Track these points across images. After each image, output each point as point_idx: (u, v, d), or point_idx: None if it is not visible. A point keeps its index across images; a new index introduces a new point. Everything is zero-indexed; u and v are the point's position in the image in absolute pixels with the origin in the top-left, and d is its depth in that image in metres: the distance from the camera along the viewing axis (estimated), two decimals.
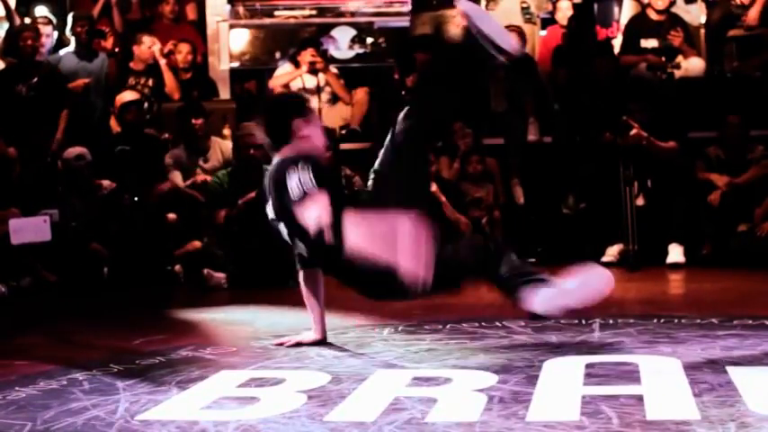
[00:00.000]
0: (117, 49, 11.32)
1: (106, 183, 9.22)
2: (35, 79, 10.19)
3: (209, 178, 9.36)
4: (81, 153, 9.12)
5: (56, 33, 11.51)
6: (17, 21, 11.23)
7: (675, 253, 9.05)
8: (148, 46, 10.90)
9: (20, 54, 10.39)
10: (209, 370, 4.95)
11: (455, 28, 11.01)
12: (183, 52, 11.00)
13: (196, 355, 5.42)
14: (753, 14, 10.78)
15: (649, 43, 10.68)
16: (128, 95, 10.13)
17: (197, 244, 9.02)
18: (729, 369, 4.55)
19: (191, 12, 12.19)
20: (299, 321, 6.18)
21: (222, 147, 9.70)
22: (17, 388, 4.69)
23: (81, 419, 4.07)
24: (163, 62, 10.85)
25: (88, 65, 10.78)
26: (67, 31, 11.09)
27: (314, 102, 10.80)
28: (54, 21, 11.61)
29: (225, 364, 5.10)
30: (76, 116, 10.28)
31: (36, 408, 4.30)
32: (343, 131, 10.81)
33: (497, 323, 5.92)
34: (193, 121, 9.63)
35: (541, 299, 4.91)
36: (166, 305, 7.61)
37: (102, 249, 8.90)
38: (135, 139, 9.79)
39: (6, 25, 11.43)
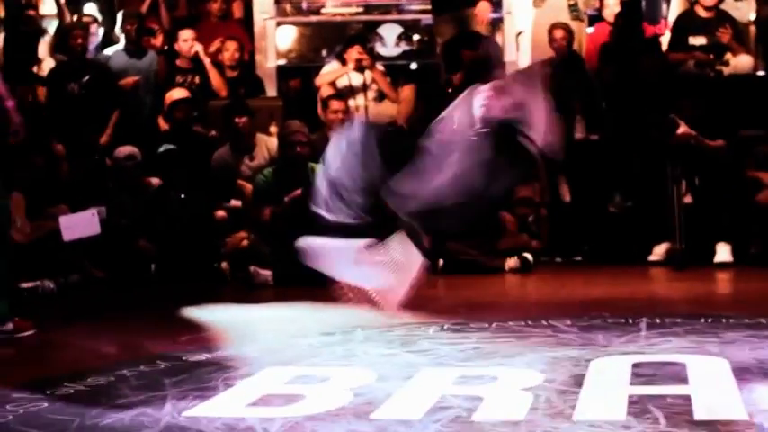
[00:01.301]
0: (166, 47, 11.38)
1: (155, 181, 9.28)
2: (86, 77, 10.26)
3: None
4: (132, 153, 9.18)
5: (101, 31, 11.57)
6: (68, 18, 11.31)
7: (723, 252, 8.98)
8: (185, 39, 10.94)
9: (70, 52, 10.47)
10: (255, 367, 4.97)
11: (478, 25, 11.05)
12: (231, 50, 11.02)
13: (242, 352, 5.44)
14: None
15: (697, 40, 10.60)
16: (177, 93, 10.18)
17: (243, 234, 9.04)
18: None
19: (237, 9, 12.22)
20: (345, 319, 6.20)
21: (268, 144, 9.71)
22: (66, 384, 4.73)
23: (128, 416, 4.10)
24: (207, 61, 10.89)
25: (137, 62, 10.84)
26: (117, 29, 11.15)
27: (360, 99, 10.81)
28: (99, 19, 11.68)
29: (271, 362, 5.12)
30: (126, 114, 10.35)
31: (84, 403, 4.34)
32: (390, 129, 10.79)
33: (543, 322, 5.91)
34: (237, 119, 9.62)
35: None
36: (213, 302, 7.63)
37: (150, 246, 8.96)
38: (184, 137, 9.84)
39: (56, 22, 11.53)
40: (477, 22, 11.13)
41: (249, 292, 8.33)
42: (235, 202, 9.47)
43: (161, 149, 9.59)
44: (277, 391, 4.47)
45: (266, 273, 8.58)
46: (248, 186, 9.30)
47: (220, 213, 9.32)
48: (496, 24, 11.88)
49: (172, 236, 9.02)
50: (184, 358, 5.26)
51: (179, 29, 11.38)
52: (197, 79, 10.88)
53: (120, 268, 8.75)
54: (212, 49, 11.17)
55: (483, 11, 11.14)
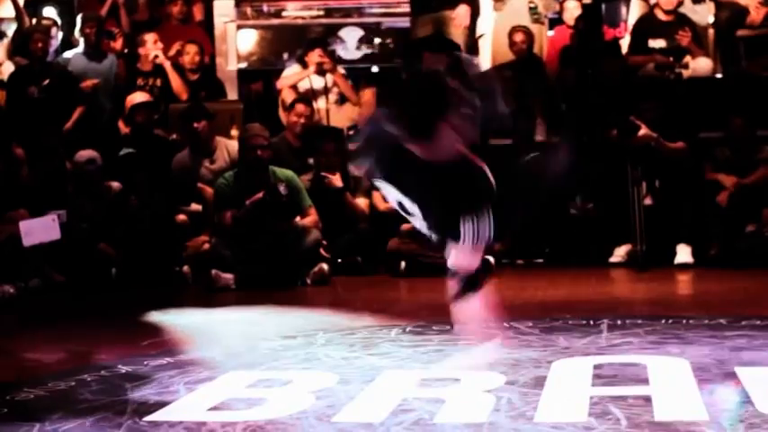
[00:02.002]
0: (126, 50, 11.33)
1: (115, 184, 9.23)
2: (46, 81, 10.21)
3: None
4: (92, 157, 9.13)
5: (60, 34, 11.51)
6: (27, 21, 11.25)
7: (684, 253, 9.04)
8: (154, 41, 10.91)
9: (30, 55, 10.41)
10: (216, 371, 4.95)
11: (455, 29, 11.06)
12: (191, 53, 10.99)
13: (204, 356, 5.42)
14: (756, 17, 10.81)
15: (657, 43, 10.66)
16: (138, 97, 10.13)
17: (204, 238, 9.02)
18: (738, 370, 4.54)
19: (198, 12, 12.19)
20: (306, 322, 6.20)
21: (229, 147, 9.69)
22: (26, 389, 4.70)
23: (89, 420, 4.08)
24: (167, 64, 10.85)
25: (97, 66, 10.79)
26: (76, 32, 11.09)
27: (321, 102, 10.81)
28: (59, 22, 11.61)
29: (233, 365, 5.10)
30: (86, 117, 10.30)
31: (45, 408, 4.31)
32: (351, 132, 10.80)
33: (505, 324, 5.91)
34: (195, 124, 9.58)
35: None
36: (174, 306, 7.61)
37: (111, 250, 8.91)
38: (144, 141, 9.81)
39: (15, 26, 11.45)
40: (456, 25, 11.15)
41: (210, 296, 8.30)
42: (195, 206, 9.45)
43: (121, 153, 9.55)
44: (239, 394, 4.46)
45: (228, 276, 8.56)
46: (209, 190, 9.28)
47: (181, 217, 9.29)
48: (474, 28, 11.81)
49: (133, 240, 8.98)
50: (145, 362, 5.24)
51: (139, 32, 11.34)
52: (158, 82, 10.84)
53: (80, 273, 8.70)
54: (172, 52, 11.14)
55: (462, 15, 11.14)
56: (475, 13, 11.31)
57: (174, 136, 10.18)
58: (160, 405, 4.29)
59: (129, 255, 8.95)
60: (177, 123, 10.11)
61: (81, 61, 10.78)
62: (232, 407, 4.24)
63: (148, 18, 12.18)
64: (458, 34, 11.21)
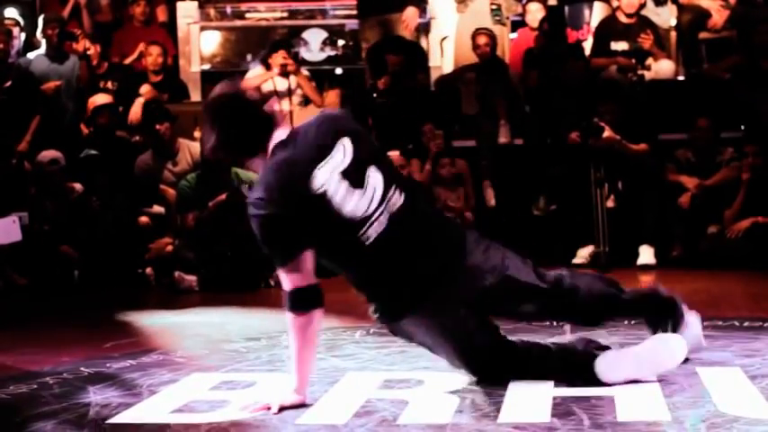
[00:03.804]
0: (88, 52, 11.28)
1: (77, 186, 9.19)
2: (8, 83, 10.14)
3: None
4: (55, 158, 9.07)
5: (23, 35, 11.44)
6: None
7: (646, 254, 9.08)
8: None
9: None
10: (179, 373, 4.94)
11: (403, 31, 11.10)
12: (154, 55, 10.96)
13: (167, 358, 5.41)
14: (718, 20, 10.90)
15: (619, 46, 10.70)
16: (101, 99, 10.09)
17: (167, 240, 8.99)
18: (699, 370, 4.57)
19: (161, 14, 12.15)
20: (270, 324, 6.19)
21: (192, 149, 9.65)
22: None
23: (51, 423, 4.06)
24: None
25: (59, 67, 10.72)
26: (38, 33, 11.03)
27: (285, 104, 10.80)
28: (22, 23, 11.54)
29: (196, 367, 5.09)
30: (48, 119, 10.23)
31: (6, 412, 4.29)
32: None
33: None
34: (157, 126, 9.55)
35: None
36: (137, 308, 7.58)
37: (73, 252, 8.87)
38: (107, 142, 9.77)
39: None
40: (404, 27, 11.18)
41: (174, 298, 8.28)
42: (158, 208, 9.42)
43: (83, 154, 9.51)
44: (202, 396, 4.45)
45: (191, 278, 8.53)
46: (171, 192, 9.25)
47: (144, 219, 9.27)
48: (423, 29, 11.88)
49: (95, 242, 8.94)
50: (108, 365, 5.22)
51: (101, 33, 11.30)
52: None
53: (42, 275, 8.66)
54: (135, 53, 11.12)
55: (411, 16, 11.18)
56: (422, 13, 11.40)
57: (137, 138, 10.15)
58: (123, 407, 4.27)
59: (92, 257, 8.91)
60: (139, 125, 10.09)
61: (43, 63, 10.71)
62: (195, 409, 4.23)
63: (111, 19, 12.13)
64: (407, 36, 11.26)
